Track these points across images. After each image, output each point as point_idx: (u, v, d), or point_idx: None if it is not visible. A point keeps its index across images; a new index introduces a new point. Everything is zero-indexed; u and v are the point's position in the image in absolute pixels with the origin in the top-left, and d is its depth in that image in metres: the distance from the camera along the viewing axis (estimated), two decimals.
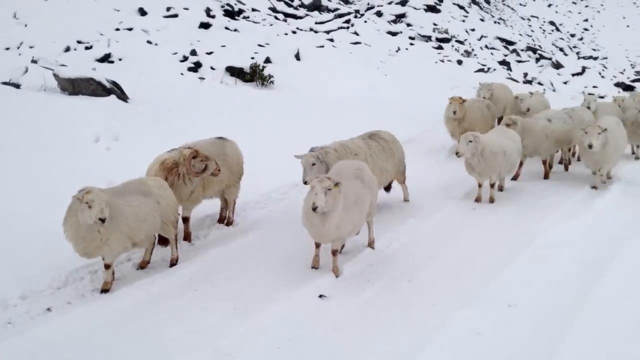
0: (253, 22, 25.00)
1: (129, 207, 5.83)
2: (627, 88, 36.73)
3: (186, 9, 22.58)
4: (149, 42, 19.37)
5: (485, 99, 12.76)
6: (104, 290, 5.80)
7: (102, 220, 5.28)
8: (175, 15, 21.97)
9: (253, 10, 26.70)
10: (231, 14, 24.42)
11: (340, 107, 15.37)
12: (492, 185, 8.96)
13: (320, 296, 5.78)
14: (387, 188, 8.89)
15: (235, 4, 25.82)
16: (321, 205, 5.61)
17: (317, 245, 6.45)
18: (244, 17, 25.25)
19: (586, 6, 75.88)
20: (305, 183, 7.14)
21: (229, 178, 7.60)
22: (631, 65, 55.54)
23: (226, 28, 22.36)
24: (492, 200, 8.92)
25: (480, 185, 8.97)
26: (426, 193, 9.35)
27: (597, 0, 77.76)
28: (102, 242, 5.53)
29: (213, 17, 22.78)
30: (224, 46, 20.39)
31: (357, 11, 36.27)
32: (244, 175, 7.98)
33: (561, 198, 9.07)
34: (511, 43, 41.11)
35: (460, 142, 8.47)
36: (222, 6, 24.40)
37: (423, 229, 7.74)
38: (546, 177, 10.44)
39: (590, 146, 8.74)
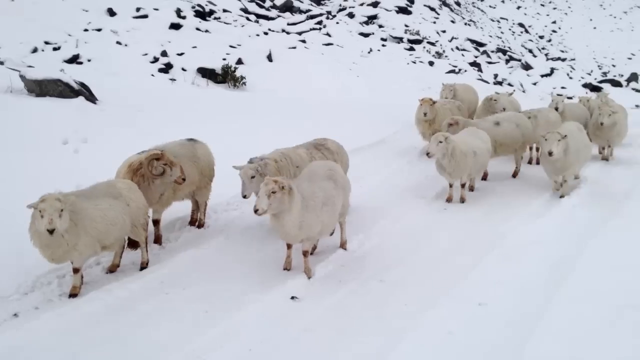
0: (224, 23, 24.85)
1: (98, 210, 5.74)
2: (595, 89, 37.45)
3: (156, 9, 22.34)
4: (118, 42, 19.12)
5: (455, 100, 12.84)
6: (73, 295, 5.71)
7: (50, 232, 5.12)
8: (145, 16, 21.72)
9: (224, 11, 26.54)
10: (202, 14, 24.24)
11: (312, 108, 15.41)
12: (462, 186, 9.06)
13: (293, 298, 5.77)
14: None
15: (206, 5, 25.65)
16: (262, 208, 5.56)
17: (289, 247, 6.44)
18: (215, 18, 25.08)
19: (554, 8, 77.31)
20: (244, 197, 6.99)
21: (200, 180, 7.54)
22: (598, 66, 56.72)
23: (197, 29, 22.18)
24: (462, 200, 9.02)
25: (451, 186, 9.06)
26: (397, 194, 9.43)
27: (564, 2, 79.29)
28: (69, 247, 5.42)
29: (184, 17, 22.59)
30: (195, 47, 20.25)
31: (329, 12, 36.34)
32: (215, 177, 7.93)
33: (530, 197, 9.22)
34: (481, 44, 41.61)
35: (430, 143, 8.50)
36: (193, 7, 24.21)
37: (395, 230, 7.79)
38: (514, 175, 10.67)
39: (550, 153, 8.51)
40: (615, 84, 42.44)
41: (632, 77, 46.92)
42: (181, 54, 19.31)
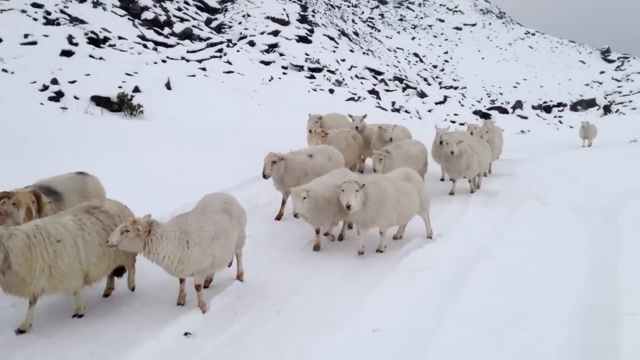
0: (120, 50, 24.18)
1: None
2: (484, 116, 39.73)
3: (46, 36, 21.37)
4: (4, 70, 18.10)
5: (350, 131, 12.69)
6: None
7: None
8: (34, 43, 20.71)
9: (120, 38, 25.87)
10: (96, 41, 23.46)
11: (211, 137, 15.26)
12: (325, 234, 8.77)
13: (186, 334, 5.62)
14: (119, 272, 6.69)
15: (100, 32, 24.88)
16: (111, 242, 5.57)
17: (181, 281, 6.29)
18: (110, 45, 24.37)
19: (446, 40, 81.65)
20: None
21: None
22: (487, 94, 60.34)
23: (91, 56, 21.40)
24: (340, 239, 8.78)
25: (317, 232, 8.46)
26: (295, 222, 9.42)
27: (455, 34, 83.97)
28: None
29: (76, 44, 21.75)
30: (88, 75, 19.51)
31: (229, 40, 36.37)
32: None
33: (423, 222, 9.54)
34: (380, 73, 43.07)
35: (294, 201, 7.62)
36: (86, 34, 23.39)
37: (291, 258, 7.83)
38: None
39: (348, 207, 8.10)
40: (503, 111, 45.27)
41: (517, 105, 50.25)
42: (73, 82, 18.53)
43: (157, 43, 28.52)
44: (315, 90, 31.06)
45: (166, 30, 32.15)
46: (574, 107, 54.23)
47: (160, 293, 6.61)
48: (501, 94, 61.73)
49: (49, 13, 24.72)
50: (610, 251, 7.90)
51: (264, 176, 9.09)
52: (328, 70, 37.30)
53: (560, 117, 47.22)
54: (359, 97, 32.77)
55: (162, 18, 33.13)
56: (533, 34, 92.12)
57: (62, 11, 26.07)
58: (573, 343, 5.40)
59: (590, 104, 53.96)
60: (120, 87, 18.89)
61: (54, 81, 17.96)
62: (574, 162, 17.76)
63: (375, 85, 39.32)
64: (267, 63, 33.88)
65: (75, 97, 17.51)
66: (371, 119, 26.41)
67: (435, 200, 11.12)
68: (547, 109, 54.23)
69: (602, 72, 70.26)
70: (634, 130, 32.19)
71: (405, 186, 8.22)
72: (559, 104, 56.64)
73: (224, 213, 6.42)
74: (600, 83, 65.54)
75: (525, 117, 44.69)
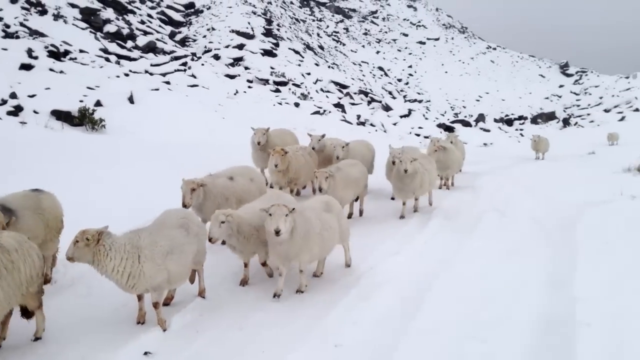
0: (81, 63, 23.85)
1: None
2: (448, 129, 40.35)
3: (5, 49, 21.00)
4: None
5: (306, 148, 12.34)
6: None
7: None
8: None
9: (81, 51, 25.55)
10: (56, 55, 23.12)
11: (175, 151, 15.12)
12: (263, 264, 7.84)
13: (146, 353, 5.52)
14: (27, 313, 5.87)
15: (61, 45, 24.53)
16: (67, 255, 5.61)
17: (139, 298, 6.20)
18: (71, 59, 24.03)
19: (410, 54, 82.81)
20: None
21: (46, 233, 7.07)
22: (451, 107, 61.32)
23: (51, 70, 21.07)
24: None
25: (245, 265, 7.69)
26: None
27: (419, 48, 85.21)
28: None
29: (36, 58, 21.40)
30: (48, 88, 19.18)
31: (194, 54, 36.23)
32: (65, 229, 7.46)
33: (386, 235, 9.64)
34: (345, 87, 43.40)
35: (211, 224, 6.91)
36: (46, 47, 23.03)
37: (252, 274, 7.76)
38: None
39: (277, 232, 8.59)
40: (466, 124, 46.06)
41: (480, 118, 51.21)
42: (33, 96, 18.19)
43: (119, 56, 28.25)
44: (280, 104, 31.10)
45: (129, 44, 31.87)
46: (534, 120, 55.54)
47: (120, 312, 6.50)
48: (464, 107, 62.79)
49: (7, 26, 24.32)
50: (567, 262, 8.08)
51: (184, 206, 8.04)
52: (293, 84, 37.43)
53: (521, 130, 48.28)
54: (325, 111, 32.91)
55: (125, 31, 32.84)
56: (494, 49, 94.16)
57: (21, 24, 25.66)
58: (532, 354, 5.49)
59: (550, 117, 55.34)
60: (81, 101, 18.61)
61: (13, 95, 17.60)
62: (533, 174, 18.17)
63: (340, 98, 39.58)
64: (232, 77, 33.84)
65: (35, 112, 17.18)
66: (336, 132, 26.53)
67: (397, 214, 11.28)
68: (509, 122, 55.43)
69: (561, 86, 72.16)
70: (592, 142, 33.10)
71: (327, 218, 7.49)
72: (520, 117, 57.98)
73: (181, 228, 6.36)
74: (560, 97, 67.28)
75: (488, 130, 45.51)
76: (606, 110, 51.84)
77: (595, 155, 27.07)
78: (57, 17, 29.07)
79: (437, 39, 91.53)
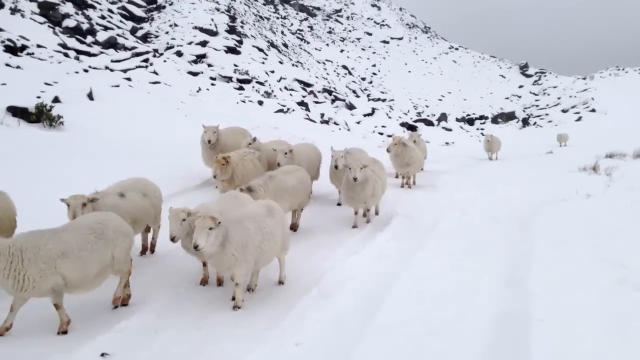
0: (39, 59, 23.31)
1: None
2: (411, 128, 40.78)
3: None
4: None
5: (255, 152, 11.59)
6: None
7: None
8: None
9: (39, 46, 24.94)
10: (13, 49, 22.54)
11: (136, 148, 14.90)
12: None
13: (103, 354, 5.44)
14: None
15: (18, 40, 23.91)
16: None
17: (56, 307, 5.97)
18: (29, 54, 23.46)
19: (374, 53, 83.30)
20: None
21: None
22: (414, 106, 61.92)
23: (7, 65, 20.54)
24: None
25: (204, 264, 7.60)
26: None
27: (382, 47, 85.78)
28: None
29: None
30: (4, 84, 18.70)
31: (156, 50, 35.73)
32: (18, 228, 7.30)
33: (348, 234, 9.71)
34: (309, 85, 43.42)
35: (170, 222, 6.80)
36: (2, 41, 22.43)
37: (213, 272, 7.72)
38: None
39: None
40: (428, 123, 46.63)
41: (442, 117, 51.92)
42: None
43: (79, 52, 27.67)
44: (244, 101, 30.96)
45: (89, 39, 31.23)
46: (495, 120, 56.59)
47: (76, 312, 6.37)
48: (427, 106, 63.51)
49: None
50: (524, 259, 8.27)
51: None
52: (257, 82, 37.29)
53: (482, 129, 49.13)
54: (288, 109, 32.90)
55: (85, 26, 32.17)
56: (457, 49, 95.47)
57: None
58: (489, 350, 5.60)
59: (510, 116, 56.45)
60: (38, 97, 18.17)
61: None
62: (493, 173, 18.50)
63: (304, 97, 39.61)
64: (194, 74, 33.53)
65: None
66: (301, 131, 26.58)
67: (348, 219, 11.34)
68: (470, 121, 56.35)
69: (520, 87, 73.62)
70: (550, 142, 33.86)
71: (271, 225, 6.91)
72: (481, 117, 58.97)
73: (91, 233, 6.12)
74: (519, 97, 68.64)
75: (450, 130, 46.20)
76: (564, 111, 53.13)
77: (553, 154, 27.73)
78: (14, 11, 28.29)
79: (400, 39, 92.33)
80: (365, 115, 41.49)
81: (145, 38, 39.09)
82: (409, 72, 78.44)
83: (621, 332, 5.75)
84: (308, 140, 23.62)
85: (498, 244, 9.20)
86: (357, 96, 54.34)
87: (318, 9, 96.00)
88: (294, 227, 10.07)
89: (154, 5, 48.46)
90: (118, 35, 34.26)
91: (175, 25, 42.22)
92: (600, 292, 6.80)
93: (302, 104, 36.55)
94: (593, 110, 49.58)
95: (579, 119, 47.87)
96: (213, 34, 42.08)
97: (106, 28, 34.87)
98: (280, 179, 9.52)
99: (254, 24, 59.21)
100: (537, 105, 60.44)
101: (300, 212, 10.42)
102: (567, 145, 32.28)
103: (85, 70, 24.48)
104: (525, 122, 52.14)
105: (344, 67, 69.96)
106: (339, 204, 12.28)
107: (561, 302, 6.53)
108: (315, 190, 12.80)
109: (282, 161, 11.08)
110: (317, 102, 40.07)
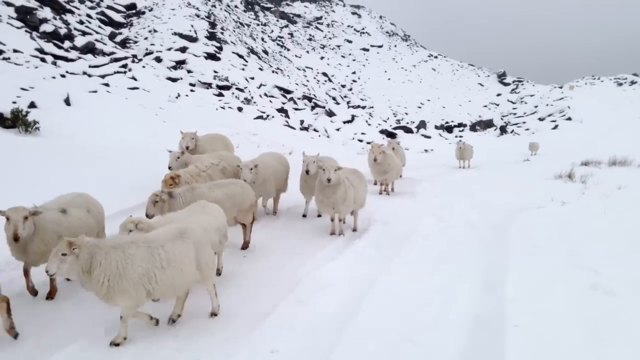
0: (15, 63, 23.01)
1: None
2: (390, 135, 41.04)
3: None
4: None
5: (219, 164, 10.96)
6: None
7: None
8: None
9: (15, 51, 24.62)
10: None
11: (112, 155, 14.78)
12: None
13: None
14: None
15: None
16: None
17: None
18: (5, 58, 23.15)
19: (354, 60, 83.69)
20: None
21: None
22: (393, 114, 62.28)
23: None
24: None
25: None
26: None
27: (362, 55, 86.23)
28: None
29: None
30: None
31: (134, 56, 35.48)
32: None
33: (325, 241, 9.72)
34: (289, 92, 43.47)
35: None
36: None
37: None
38: None
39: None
40: (408, 130, 46.95)
41: (421, 125, 52.27)
42: None
43: (56, 57, 27.34)
44: (223, 108, 30.88)
45: (67, 44, 30.89)
46: (473, 128, 57.12)
47: (33, 322, 6.29)
48: (406, 113, 63.92)
49: None
50: (499, 265, 8.36)
51: (15, 239, 6.53)
52: (237, 88, 37.23)
53: (460, 136, 49.54)
54: (268, 116, 32.88)
55: (63, 31, 31.82)
56: (436, 57, 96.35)
57: None
58: (464, 356, 5.64)
59: (488, 124, 57.03)
60: (14, 102, 17.92)
61: None
62: (470, 180, 18.67)
63: (284, 103, 39.63)
64: (174, 80, 33.36)
65: None
66: (280, 137, 26.55)
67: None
68: (449, 129, 56.83)
69: (498, 95, 74.48)
70: (526, 150, 34.21)
71: (171, 252, 5.96)
72: (460, 124, 59.49)
73: None
74: (497, 105, 69.41)
75: (429, 137, 46.53)
76: (541, 119, 53.87)
77: (529, 162, 28.06)
78: None
79: (380, 46, 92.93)
80: (345, 122, 41.62)
81: (124, 43, 38.80)
82: (389, 79, 78.91)
83: (595, 337, 5.84)
84: (288, 147, 23.66)
85: (474, 250, 9.29)
86: (337, 103, 54.52)
87: (299, 16, 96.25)
88: (244, 246, 9.39)
89: (134, 11, 48.15)
90: (96, 40, 33.95)
91: (155, 31, 42.00)
92: (574, 297, 6.90)
93: (281, 110, 36.56)
94: (569, 119, 50.37)
95: (556, 127, 48.58)
96: (193, 40, 41.94)
97: (84, 33, 34.53)
98: (200, 192, 8.64)
99: (234, 31, 59.15)
100: (515, 114, 61.19)
101: (247, 230, 9.45)
102: (538, 154, 32.55)
103: (63, 76, 24.22)
104: (502, 129, 52.72)
105: (324, 74, 70.16)
106: (304, 216, 11.83)
107: (536, 307, 6.61)
108: (289, 199, 12.79)
109: (247, 177, 10.30)
110: (296, 109, 40.12)
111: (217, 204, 8.24)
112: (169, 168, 10.67)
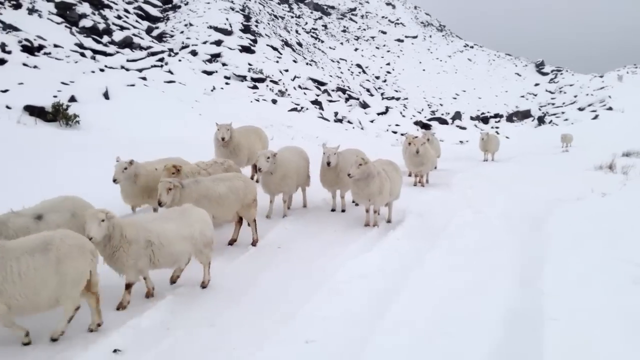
0: (56, 58, 23.56)
1: None
2: (425, 126, 40.65)
3: None
4: None
5: (224, 163, 10.61)
6: None
7: None
8: None
9: (56, 46, 25.20)
10: (30, 49, 22.80)
11: (149, 148, 14.98)
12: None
13: (115, 351, 5.49)
14: None
15: (35, 40, 24.17)
16: None
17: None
18: (45, 54, 23.72)
19: (388, 51, 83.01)
20: None
21: None
22: (428, 105, 61.63)
23: (24, 64, 20.79)
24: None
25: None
26: (228, 232, 9.39)
27: (397, 46, 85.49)
28: None
29: (9, 52, 21.09)
30: (22, 84, 18.94)
31: (171, 50, 35.93)
32: None
33: (359, 232, 9.71)
34: (323, 84, 43.44)
35: (88, 224, 6.10)
36: (20, 41, 22.69)
37: (225, 271, 7.78)
38: None
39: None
40: (442, 121, 46.46)
41: (457, 116, 51.64)
42: (5, 91, 17.95)
43: (95, 52, 27.91)
44: (258, 100, 31.07)
45: (105, 39, 31.48)
46: (510, 118, 56.19)
47: (86, 308, 6.43)
48: (441, 105, 63.21)
49: None
50: (537, 258, 8.22)
51: None
52: (271, 81, 37.38)
53: (497, 127, 48.79)
54: (302, 108, 32.96)
55: (101, 26, 32.43)
56: (471, 47, 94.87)
57: None
58: (500, 349, 5.57)
59: (525, 115, 56.02)
60: (55, 96, 18.40)
61: None
62: (507, 172, 18.40)
63: (318, 95, 39.63)
64: (209, 73, 33.69)
65: (8, 107, 16.95)
66: (314, 130, 26.61)
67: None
68: (485, 119, 55.98)
69: (536, 85, 72.97)
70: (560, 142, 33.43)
71: (25, 265, 5.25)
72: (496, 115, 58.56)
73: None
74: (535, 95, 68.02)
75: (464, 128, 45.95)
76: (580, 109, 52.62)
77: (568, 152, 27.49)
78: (31, 11, 28.59)
79: (415, 37, 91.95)
80: (379, 114, 41.45)
81: (160, 38, 39.31)
82: (424, 70, 78.08)
83: (636, 332, 5.71)
84: (321, 139, 23.66)
85: (511, 242, 9.16)
86: (371, 95, 54.24)
87: (332, 7, 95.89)
88: (231, 242, 9.16)
89: (170, 5, 48.72)
90: (134, 35, 34.49)
91: (190, 24, 42.41)
92: (615, 291, 6.75)
93: (315, 102, 36.59)
94: (610, 109, 49.06)
95: (596, 117, 47.37)
96: (228, 33, 42.21)
97: (122, 28, 35.11)
98: (205, 185, 8.49)
99: (269, 23, 59.31)
100: (553, 104, 59.89)
101: (252, 227, 9.19)
102: (574, 146, 31.47)
103: (101, 70, 24.72)
104: (540, 120, 51.72)
105: (358, 65, 69.80)
106: (333, 210, 11.59)
107: (575, 302, 6.49)
108: (321, 193, 12.66)
109: (263, 166, 10.13)
110: (330, 101, 40.09)
111: (221, 198, 8.38)
112: (114, 181, 9.39)
